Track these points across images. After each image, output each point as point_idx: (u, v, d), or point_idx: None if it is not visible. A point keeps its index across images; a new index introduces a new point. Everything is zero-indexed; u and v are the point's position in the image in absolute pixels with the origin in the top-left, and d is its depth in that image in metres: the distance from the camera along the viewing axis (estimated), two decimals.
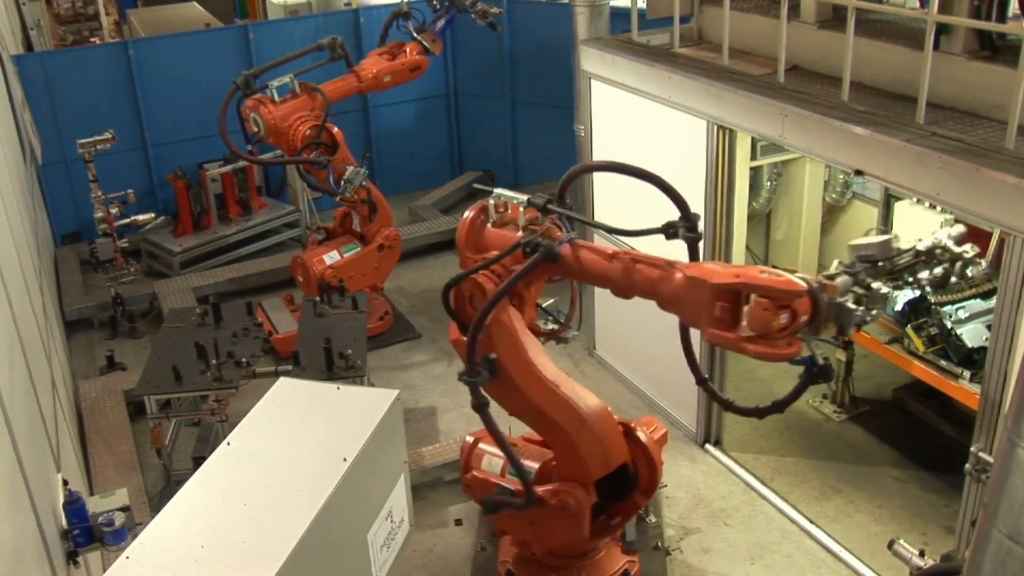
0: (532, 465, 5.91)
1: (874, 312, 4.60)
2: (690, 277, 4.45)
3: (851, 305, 4.37)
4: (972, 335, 6.65)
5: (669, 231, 4.87)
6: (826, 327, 4.38)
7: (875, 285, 4.60)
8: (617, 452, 5.78)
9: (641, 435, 5.97)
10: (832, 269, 4.72)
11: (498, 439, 5.40)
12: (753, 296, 4.19)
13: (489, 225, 5.58)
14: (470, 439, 6.36)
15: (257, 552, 4.06)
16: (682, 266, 4.61)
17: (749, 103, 6.83)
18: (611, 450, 5.72)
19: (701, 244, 7.20)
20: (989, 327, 6.69)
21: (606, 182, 8.81)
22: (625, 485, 5.94)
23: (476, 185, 5.71)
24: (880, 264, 4.76)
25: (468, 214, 5.56)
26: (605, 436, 5.66)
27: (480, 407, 5.23)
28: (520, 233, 5.36)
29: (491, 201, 5.54)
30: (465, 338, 5.18)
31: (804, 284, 4.20)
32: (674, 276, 4.57)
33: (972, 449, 5.61)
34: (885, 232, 5.79)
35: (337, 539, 4.54)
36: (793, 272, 4.32)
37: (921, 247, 5.06)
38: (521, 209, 5.41)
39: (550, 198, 5.28)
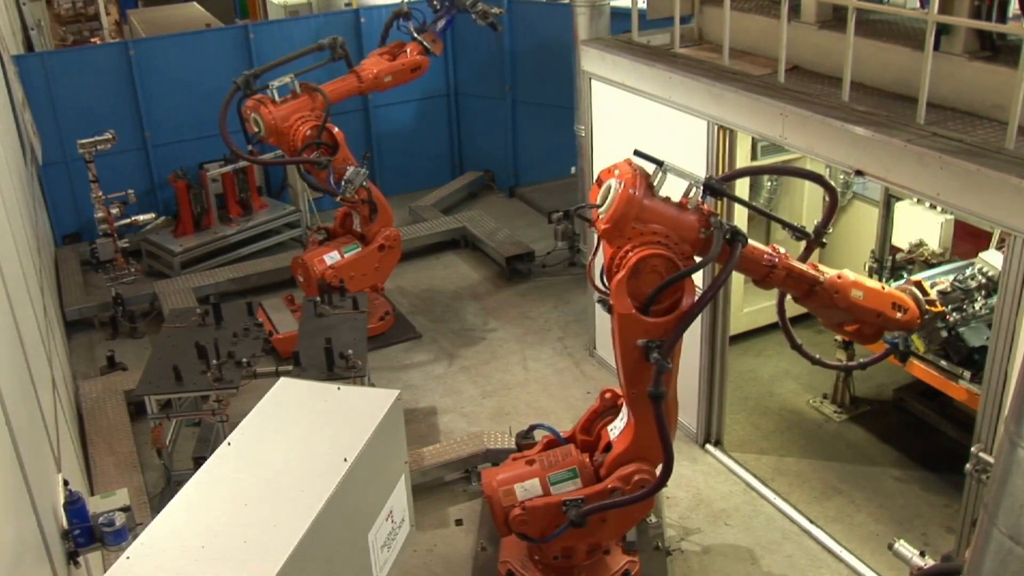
0: (570, 466, 5.90)
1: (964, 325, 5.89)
2: (838, 306, 5.36)
3: (942, 333, 5.73)
4: (974, 335, 6.67)
5: (801, 235, 5.42)
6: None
7: (977, 306, 5.52)
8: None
9: None
10: (948, 282, 5.98)
11: (663, 431, 5.19)
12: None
13: (654, 196, 5.17)
14: (484, 483, 6.08)
15: (258, 552, 4.05)
16: (829, 287, 5.33)
17: (749, 103, 6.83)
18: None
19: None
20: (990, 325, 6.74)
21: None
22: None
23: (638, 150, 5.18)
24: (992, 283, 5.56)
25: (628, 182, 5.02)
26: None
27: (659, 397, 5.05)
28: (690, 213, 5.13)
29: (659, 173, 5.15)
30: (645, 317, 5.10)
31: (919, 319, 5.47)
32: (824, 298, 5.35)
33: (973, 449, 5.60)
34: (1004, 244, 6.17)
35: (338, 539, 4.54)
36: (912, 286, 5.50)
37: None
38: (695, 189, 5.14)
39: (719, 181, 5.23)
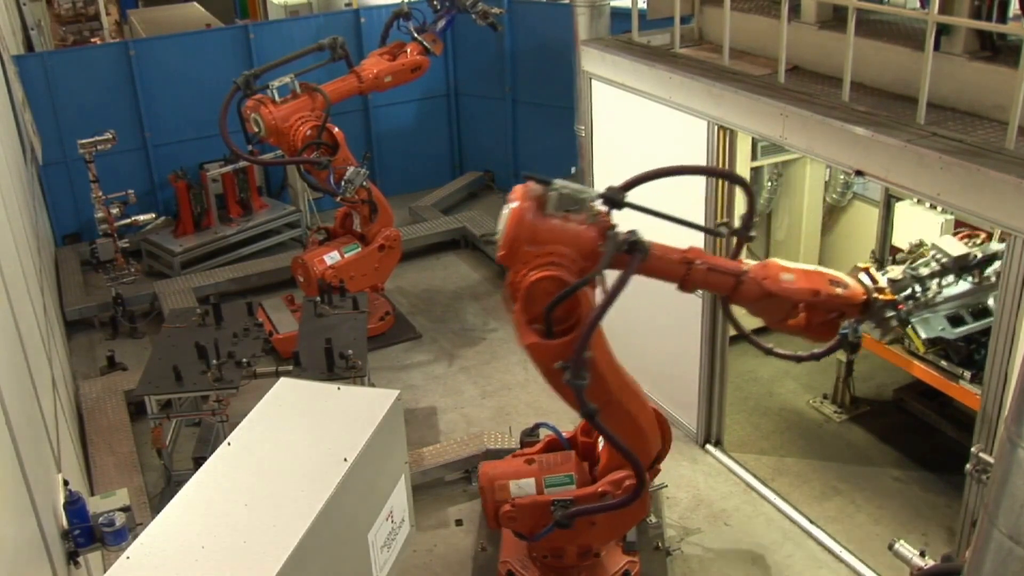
0: (568, 470, 5.89)
1: (918, 314, 5.26)
2: (771, 293, 5.03)
3: (893, 322, 5.19)
4: (926, 326, 6.54)
5: (729, 230, 5.32)
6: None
7: (930, 294, 5.31)
8: (658, 427, 5.90)
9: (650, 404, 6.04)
10: (899, 270, 5.55)
11: (613, 442, 5.10)
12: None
13: (547, 216, 4.96)
14: (481, 473, 6.08)
15: (258, 552, 4.06)
16: (755, 275, 5.04)
17: (750, 103, 6.83)
18: (657, 425, 5.85)
19: (700, 246, 7.24)
20: (954, 317, 6.69)
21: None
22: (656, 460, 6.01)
23: (526, 174, 5.19)
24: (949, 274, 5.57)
25: (519, 204, 4.89)
26: (651, 413, 5.78)
27: (591, 413, 4.78)
28: (586, 227, 4.88)
29: (554, 192, 4.94)
30: (544, 341, 4.85)
31: (863, 295, 5.08)
32: (752, 288, 5.06)
33: (973, 449, 5.60)
34: (962, 231, 6.09)
35: (338, 539, 4.54)
36: (861, 271, 5.18)
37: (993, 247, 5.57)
38: (592, 203, 4.93)
39: (622, 192, 4.92)
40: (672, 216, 4.95)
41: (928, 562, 5.06)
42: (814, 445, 8.18)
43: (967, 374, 6.72)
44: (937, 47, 5.94)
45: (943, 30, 6.06)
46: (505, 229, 4.90)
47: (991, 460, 5.42)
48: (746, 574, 6.88)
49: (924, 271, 5.82)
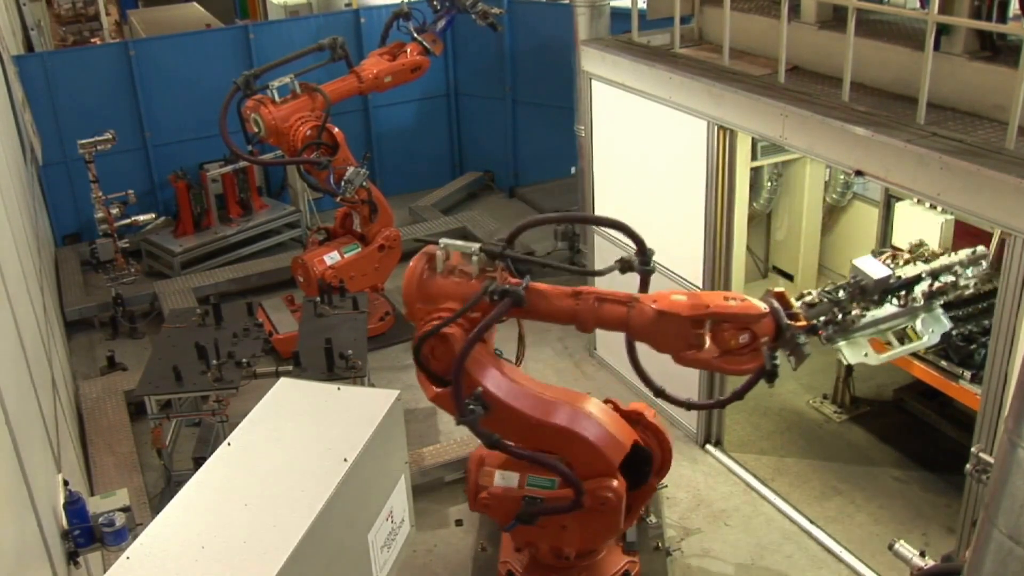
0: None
1: (841, 338, 5.06)
2: (661, 311, 4.90)
3: (807, 349, 4.89)
4: (852, 350, 6.04)
5: (625, 267, 5.08)
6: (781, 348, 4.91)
7: (852, 315, 5.17)
8: (624, 432, 5.80)
9: (647, 415, 6.04)
10: (815, 294, 5.20)
11: (530, 459, 5.42)
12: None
13: (437, 275, 5.39)
14: (473, 454, 6.24)
15: (258, 552, 4.05)
16: (645, 300, 4.97)
17: (750, 103, 6.83)
18: (618, 431, 5.74)
19: (701, 246, 7.28)
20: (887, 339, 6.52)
21: (605, 204, 8.85)
22: (645, 466, 5.94)
23: (419, 239, 5.60)
24: (869, 296, 5.25)
25: (413, 264, 5.38)
26: (606, 420, 5.68)
27: (494, 444, 5.31)
28: (473, 280, 5.25)
29: (438, 252, 5.36)
30: (443, 390, 5.27)
31: (764, 309, 4.80)
32: (643, 311, 4.97)
33: (973, 450, 5.59)
34: (896, 250, 5.88)
35: (338, 539, 4.54)
36: (771, 295, 4.89)
37: (935, 266, 5.32)
38: (474, 258, 5.25)
39: (502, 244, 5.22)
40: (550, 263, 5.36)
41: (928, 562, 5.05)
42: (814, 445, 8.18)
43: (967, 374, 6.72)
44: (937, 47, 5.94)
45: (943, 30, 6.06)
46: (403, 290, 5.42)
47: (991, 460, 5.42)
48: (746, 574, 6.88)
49: (842, 294, 5.33)
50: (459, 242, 5.36)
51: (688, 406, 5.70)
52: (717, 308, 4.79)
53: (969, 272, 5.65)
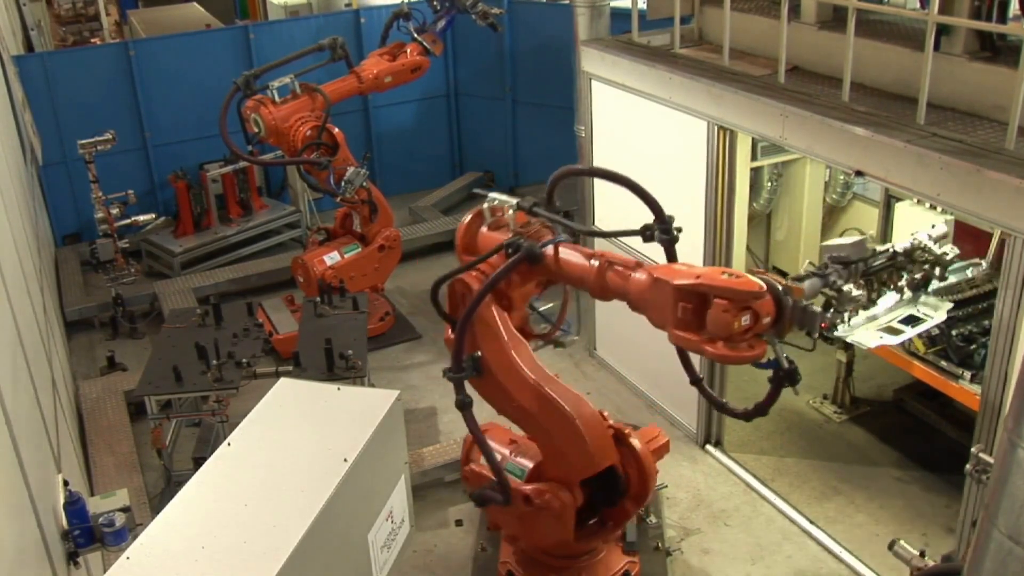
0: (526, 463, 5.91)
1: (846, 314, 4.79)
2: (654, 279, 4.58)
3: (815, 308, 4.47)
4: (864, 335, 6.23)
5: (646, 233, 4.92)
6: (791, 329, 4.47)
7: (846, 288, 4.80)
8: (603, 454, 5.72)
9: (635, 442, 5.93)
10: (802, 270, 4.89)
11: (476, 437, 5.49)
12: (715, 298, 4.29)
13: (484, 228, 5.71)
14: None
15: (258, 552, 4.06)
16: (649, 268, 4.74)
17: (749, 104, 6.83)
18: (597, 451, 5.67)
19: (701, 245, 7.26)
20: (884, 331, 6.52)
21: (605, 204, 8.84)
22: (616, 489, 5.92)
23: (476, 190, 5.85)
24: (853, 265, 4.89)
25: (466, 218, 5.75)
26: (591, 436, 5.61)
27: (463, 405, 5.39)
28: (503, 236, 5.44)
29: (486, 205, 5.63)
30: (451, 336, 5.41)
31: (763, 285, 4.27)
32: (640, 278, 4.70)
33: (973, 450, 5.59)
34: (860, 233, 5.82)
35: (338, 539, 4.55)
36: (760, 273, 4.44)
37: (899, 247, 5.17)
38: (511, 212, 5.43)
39: (537, 201, 5.32)
40: (586, 228, 5.39)
41: (928, 562, 5.05)
42: (814, 445, 8.18)
43: (967, 374, 6.71)
44: (937, 47, 5.94)
45: (943, 30, 6.06)
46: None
47: (991, 460, 5.42)
48: (746, 574, 6.88)
49: (829, 271, 5.00)
50: (503, 196, 5.56)
51: (720, 407, 5.58)
52: (709, 280, 4.28)
53: (938, 248, 5.42)
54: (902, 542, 5.24)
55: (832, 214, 9.71)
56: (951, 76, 6.12)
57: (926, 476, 7.69)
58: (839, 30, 6.59)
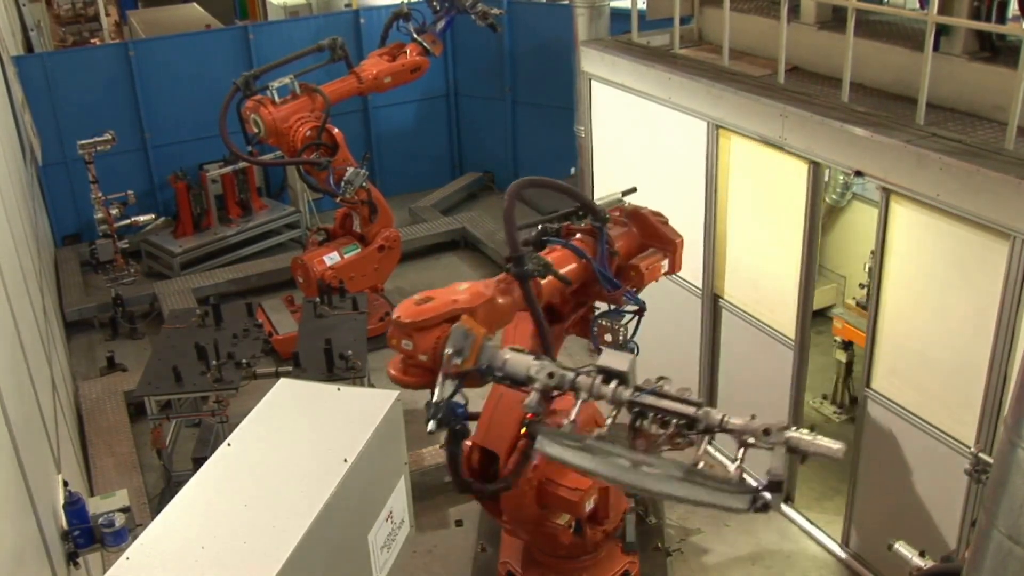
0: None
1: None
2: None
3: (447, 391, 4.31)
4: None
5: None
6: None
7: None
8: (490, 436, 5.62)
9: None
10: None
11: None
12: None
13: None
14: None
15: (258, 553, 4.05)
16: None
17: (749, 104, 6.83)
18: (488, 427, 5.63)
19: (700, 246, 7.25)
20: None
21: (610, 176, 8.84)
22: (489, 478, 5.67)
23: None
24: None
25: None
26: (494, 414, 5.58)
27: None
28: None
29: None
30: None
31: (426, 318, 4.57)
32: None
33: (972, 449, 5.60)
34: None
35: (338, 540, 4.54)
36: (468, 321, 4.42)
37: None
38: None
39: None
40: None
41: (928, 562, 5.05)
42: None
43: None
44: (937, 47, 5.94)
45: (943, 30, 6.06)
46: None
47: (991, 460, 5.43)
48: (746, 574, 6.88)
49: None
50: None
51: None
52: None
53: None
54: (902, 542, 5.25)
55: (832, 214, 9.70)
56: (951, 76, 6.13)
57: None
58: (839, 30, 6.60)
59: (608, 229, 5.71)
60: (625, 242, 5.91)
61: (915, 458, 6.30)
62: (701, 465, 3.80)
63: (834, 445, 3.68)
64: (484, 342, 4.28)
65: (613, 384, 4.03)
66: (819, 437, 3.62)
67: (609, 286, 5.66)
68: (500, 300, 4.97)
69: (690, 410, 3.98)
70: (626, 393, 3.97)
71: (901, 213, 5.98)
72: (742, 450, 3.74)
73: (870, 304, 6.41)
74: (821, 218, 7.12)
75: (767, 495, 3.54)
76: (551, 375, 4.15)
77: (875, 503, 6.78)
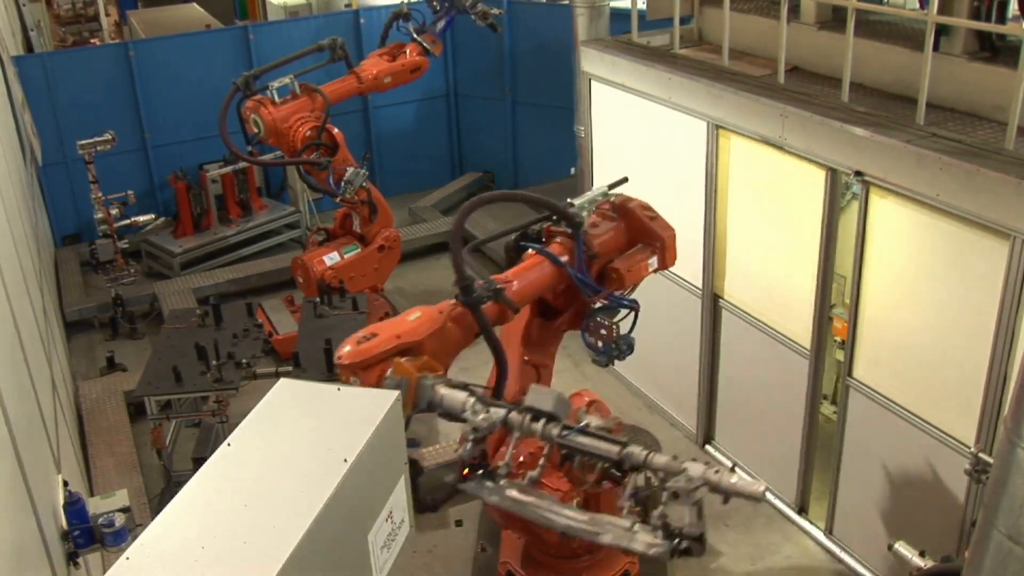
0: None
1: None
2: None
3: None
4: None
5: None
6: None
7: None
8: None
9: None
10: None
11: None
12: None
13: None
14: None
15: (258, 553, 4.04)
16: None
17: (749, 104, 6.83)
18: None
19: (700, 246, 7.24)
20: None
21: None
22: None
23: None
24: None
25: None
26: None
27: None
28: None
29: None
30: None
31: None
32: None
33: (972, 449, 5.60)
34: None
35: (337, 540, 4.54)
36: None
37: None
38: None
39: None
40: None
41: (928, 562, 5.06)
42: None
43: None
44: (937, 47, 5.94)
45: (942, 30, 6.06)
46: None
47: (991, 460, 5.43)
48: (746, 574, 6.88)
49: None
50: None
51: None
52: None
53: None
54: (902, 542, 5.25)
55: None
56: (951, 76, 6.13)
57: None
58: (839, 30, 6.60)
59: (591, 228, 5.59)
60: (612, 238, 5.76)
61: (903, 451, 6.29)
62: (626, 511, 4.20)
63: (755, 486, 3.96)
64: (419, 383, 4.33)
65: (542, 422, 4.11)
66: (740, 477, 3.80)
67: (589, 291, 5.56)
68: (451, 326, 4.83)
69: (613, 451, 4.19)
70: (555, 431, 4.08)
71: (882, 206, 5.98)
72: (664, 502, 4.20)
73: (851, 299, 6.52)
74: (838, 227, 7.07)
75: (685, 545, 3.94)
76: (482, 412, 4.23)
77: (859, 492, 6.76)
